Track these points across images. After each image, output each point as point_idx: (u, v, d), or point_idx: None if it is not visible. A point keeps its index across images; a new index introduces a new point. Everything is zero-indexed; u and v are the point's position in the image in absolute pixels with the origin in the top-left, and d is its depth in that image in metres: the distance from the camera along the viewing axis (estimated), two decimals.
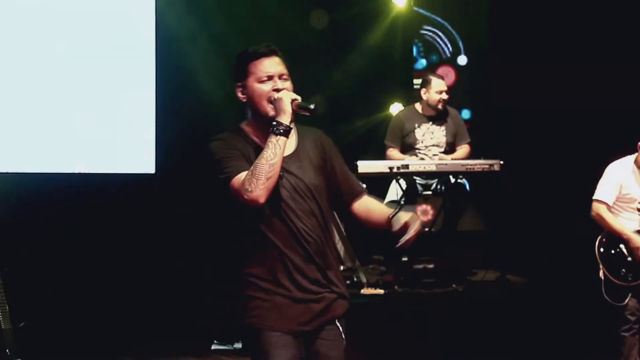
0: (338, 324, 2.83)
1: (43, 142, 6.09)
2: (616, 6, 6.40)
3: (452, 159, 5.83)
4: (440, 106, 5.92)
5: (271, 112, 2.73)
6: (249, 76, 2.77)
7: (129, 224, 6.10)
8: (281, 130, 2.66)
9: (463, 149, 5.99)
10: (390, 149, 6.01)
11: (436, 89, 5.91)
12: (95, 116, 6.26)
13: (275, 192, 2.68)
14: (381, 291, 5.50)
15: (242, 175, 2.64)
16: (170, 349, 5.47)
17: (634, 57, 6.27)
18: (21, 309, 4.93)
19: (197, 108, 6.41)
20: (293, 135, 2.81)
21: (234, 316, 2.80)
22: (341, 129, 6.90)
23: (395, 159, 5.91)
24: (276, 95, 2.73)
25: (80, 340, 5.28)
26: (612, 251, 4.62)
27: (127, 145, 6.38)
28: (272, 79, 2.76)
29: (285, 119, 2.68)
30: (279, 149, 2.65)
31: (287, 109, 2.69)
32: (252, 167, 2.63)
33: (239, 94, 2.82)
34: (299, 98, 2.73)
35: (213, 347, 5.55)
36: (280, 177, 2.69)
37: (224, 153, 2.71)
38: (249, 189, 2.60)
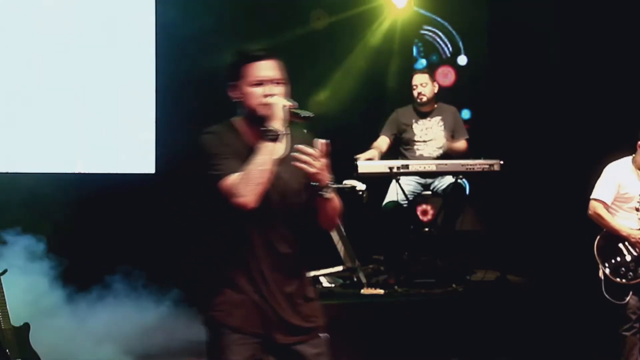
0: (321, 337, 2.87)
1: (43, 142, 6.10)
2: (616, 5, 6.39)
3: (451, 147, 5.86)
4: (419, 100, 5.96)
5: (263, 115, 2.73)
6: (242, 78, 2.78)
7: (129, 223, 6.10)
8: (271, 137, 2.68)
9: (461, 142, 6.01)
10: (381, 137, 6.05)
11: (413, 82, 5.99)
12: (96, 116, 6.27)
13: (264, 196, 2.69)
14: (381, 291, 5.50)
15: (234, 177, 2.66)
16: (170, 349, 5.47)
17: (634, 57, 6.27)
18: (21, 309, 4.95)
19: (197, 108, 6.41)
20: (286, 138, 2.82)
21: (200, 306, 2.82)
22: (341, 129, 6.88)
23: (377, 145, 5.95)
24: (268, 100, 2.72)
25: (79, 340, 5.28)
26: (611, 251, 4.63)
27: (127, 145, 6.39)
28: (264, 84, 2.75)
29: (276, 124, 2.69)
30: (268, 155, 2.67)
31: (279, 114, 2.70)
32: (243, 172, 2.65)
33: (232, 94, 2.83)
34: (292, 104, 2.73)
35: None
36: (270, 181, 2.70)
37: (217, 149, 2.73)
38: (240, 194, 2.63)
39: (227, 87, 2.83)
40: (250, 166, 2.65)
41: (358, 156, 5.73)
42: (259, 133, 2.72)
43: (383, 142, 6.02)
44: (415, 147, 5.99)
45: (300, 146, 2.67)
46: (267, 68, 2.76)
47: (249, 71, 2.76)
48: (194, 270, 2.91)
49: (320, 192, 2.74)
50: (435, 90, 6.02)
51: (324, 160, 2.69)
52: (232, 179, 2.66)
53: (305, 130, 2.94)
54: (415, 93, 5.97)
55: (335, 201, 2.84)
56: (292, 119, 2.74)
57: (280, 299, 2.77)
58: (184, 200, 6.19)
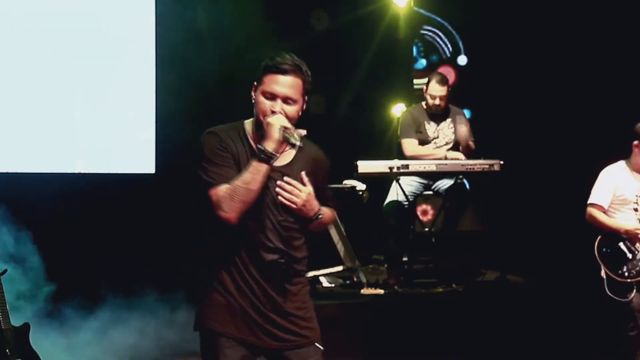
0: (316, 346, 2.85)
1: (43, 142, 6.09)
2: (616, 8, 6.40)
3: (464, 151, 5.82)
4: (433, 109, 5.91)
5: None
6: (260, 85, 2.75)
7: (129, 223, 6.10)
8: (263, 157, 2.65)
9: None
10: (406, 140, 5.92)
11: (430, 92, 5.90)
12: (96, 116, 6.26)
13: (255, 202, 2.68)
14: (381, 291, 5.50)
15: (222, 188, 2.65)
16: (171, 350, 5.47)
17: (634, 57, 6.28)
18: (21, 308, 4.95)
19: (197, 108, 6.41)
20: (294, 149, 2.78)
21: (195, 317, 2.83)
22: (341, 129, 6.89)
23: (415, 150, 5.84)
24: (268, 119, 2.69)
25: (79, 340, 5.28)
26: (612, 250, 4.63)
27: (127, 145, 6.38)
28: (274, 99, 2.72)
29: (270, 145, 2.65)
30: (259, 175, 2.64)
31: (275, 136, 2.65)
32: (230, 187, 2.64)
33: (252, 92, 2.80)
34: (289, 127, 2.68)
35: None
36: (265, 186, 2.69)
37: (214, 154, 2.71)
38: (223, 208, 2.63)
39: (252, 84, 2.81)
40: (237, 182, 2.64)
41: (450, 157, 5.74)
42: (262, 137, 2.71)
43: (414, 144, 5.90)
44: (425, 147, 5.96)
45: (281, 182, 2.69)
46: (284, 84, 2.71)
47: (267, 80, 2.73)
48: (193, 273, 2.90)
49: (310, 220, 2.78)
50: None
51: (306, 191, 2.71)
52: (219, 190, 2.65)
53: (316, 146, 2.93)
54: (430, 102, 5.89)
55: (326, 218, 2.88)
56: (284, 142, 2.69)
57: (269, 305, 2.76)
58: (184, 199, 6.23)
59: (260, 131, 2.73)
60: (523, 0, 7.07)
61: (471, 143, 5.95)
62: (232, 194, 2.62)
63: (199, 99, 6.41)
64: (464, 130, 5.82)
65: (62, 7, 6.16)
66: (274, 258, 2.76)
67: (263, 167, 2.64)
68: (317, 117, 6.90)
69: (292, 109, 2.73)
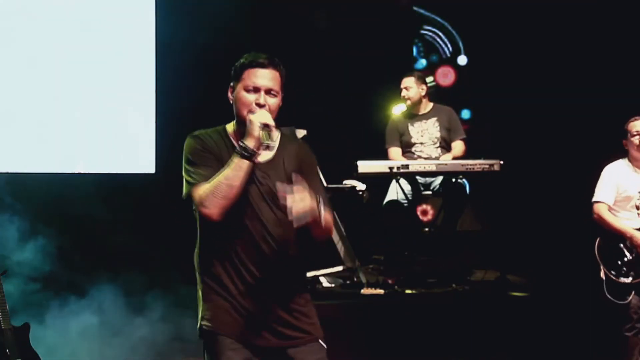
0: (320, 344, 2.83)
1: (43, 142, 6.10)
2: (616, 11, 6.40)
3: (453, 158, 5.87)
4: (406, 102, 6.04)
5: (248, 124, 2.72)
6: (240, 81, 2.77)
7: (129, 224, 6.10)
8: (244, 154, 2.65)
9: (457, 146, 6.00)
10: (391, 149, 6.06)
11: (400, 87, 6.06)
12: (96, 116, 6.26)
13: (241, 199, 2.68)
14: (381, 291, 5.50)
15: (204, 186, 2.66)
16: (171, 349, 5.47)
17: (634, 56, 6.28)
18: (21, 309, 4.95)
19: (197, 108, 6.41)
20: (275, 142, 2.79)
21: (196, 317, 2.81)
22: (341, 129, 6.89)
23: (396, 158, 5.95)
24: (250, 116, 2.70)
25: (77, 340, 5.28)
26: (612, 251, 4.63)
27: (127, 145, 6.39)
28: (258, 92, 2.73)
29: (251, 142, 2.66)
30: (240, 171, 2.63)
31: (255, 133, 2.66)
32: (212, 184, 2.63)
33: (229, 94, 2.83)
34: (270, 124, 2.68)
35: None
36: (249, 183, 2.69)
37: (196, 155, 2.74)
38: (205, 205, 2.63)
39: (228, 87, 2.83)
40: (219, 178, 2.64)
41: None
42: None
43: (397, 153, 6.03)
44: (413, 148, 6.01)
45: (287, 194, 2.53)
46: (266, 77, 2.74)
47: (248, 75, 2.75)
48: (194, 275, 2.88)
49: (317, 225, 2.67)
50: (423, 93, 6.04)
51: (307, 196, 2.54)
52: (202, 188, 2.66)
53: (299, 141, 2.94)
54: (402, 95, 6.05)
55: (328, 220, 2.72)
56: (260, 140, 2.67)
57: (269, 303, 2.75)
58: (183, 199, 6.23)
59: (243, 128, 2.73)
60: (523, 0, 7.07)
61: (457, 151, 5.97)
62: (214, 190, 2.62)
63: (199, 99, 6.41)
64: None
65: (63, 7, 6.17)
66: (273, 251, 2.74)
67: (244, 164, 2.64)
68: (317, 117, 6.93)
69: (274, 102, 2.76)
